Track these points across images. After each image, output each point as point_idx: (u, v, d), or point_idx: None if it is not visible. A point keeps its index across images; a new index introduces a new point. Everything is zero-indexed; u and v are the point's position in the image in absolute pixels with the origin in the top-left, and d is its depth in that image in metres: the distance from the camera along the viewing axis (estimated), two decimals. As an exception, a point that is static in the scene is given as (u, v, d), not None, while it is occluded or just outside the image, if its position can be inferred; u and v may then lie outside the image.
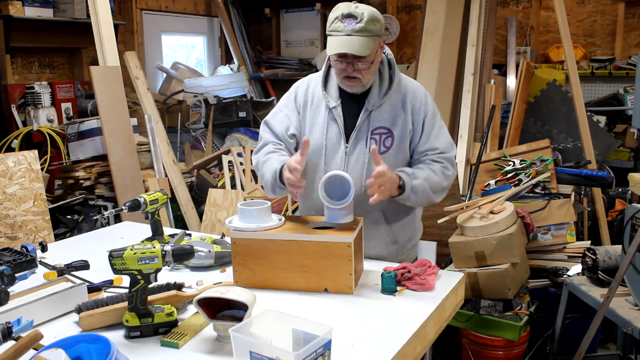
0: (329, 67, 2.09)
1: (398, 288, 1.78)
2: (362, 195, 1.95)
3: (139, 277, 1.50)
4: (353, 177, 1.88)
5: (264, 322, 1.36)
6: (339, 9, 1.88)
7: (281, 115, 2.14)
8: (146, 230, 2.31)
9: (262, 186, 4.14)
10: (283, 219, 1.86)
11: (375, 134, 2.00)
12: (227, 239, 2.10)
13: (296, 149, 2.10)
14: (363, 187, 1.97)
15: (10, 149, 4.11)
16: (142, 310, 1.51)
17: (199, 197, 4.52)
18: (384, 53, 2.04)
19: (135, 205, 2.12)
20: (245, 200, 3.87)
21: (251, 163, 2.18)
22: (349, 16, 1.85)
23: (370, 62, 1.91)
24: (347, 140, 2.02)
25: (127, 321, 1.51)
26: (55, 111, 4.45)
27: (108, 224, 3.43)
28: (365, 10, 1.87)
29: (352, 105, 2.03)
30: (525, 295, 2.85)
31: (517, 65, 4.82)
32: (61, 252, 2.20)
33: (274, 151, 2.07)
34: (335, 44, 1.87)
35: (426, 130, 2.03)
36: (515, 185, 3.25)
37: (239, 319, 1.43)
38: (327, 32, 1.92)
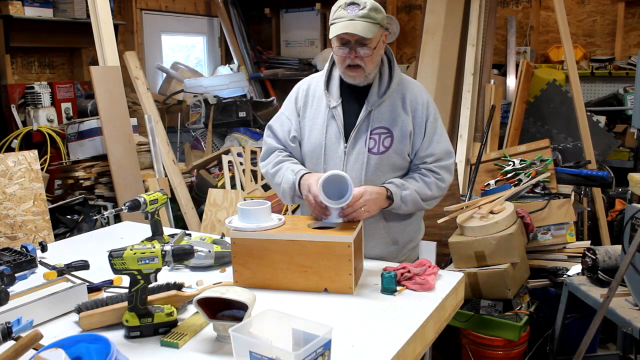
0: (331, 67, 2.09)
1: (398, 288, 1.78)
2: None
3: (139, 277, 1.50)
4: (352, 176, 1.88)
5: (264, 322, 1.36)
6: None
7: (283, 117, 2.16)
8: (146, 230, 2.31)
9: (262, 186, 4.14)
10: (283, 219, 1.86)
11: (375, 134, 2.00)
12: (227, 239, 2.10)
13: (299, 153, 2.13)
14: (362, 186, 1.97)
15: (10, 149, 4.11)
16: (142, 310, 1.51)
17: (199, 197, 4.52)
18: (384, 52, 2.05)
19: (135, 205, 2.12)
20: (245, 200, 3.87)
21: (261, 169, 2.20)
22: (352, 4, 1.89)
23: (372, 48, 1.92)
24: (346, 140, 2.02)
25: (127, 321, 1.51)
26: (55, 111, 4.45)
27: (108, 224, 3.43)
28: (368, 0, 1.91)
29: (353, 105, 2.03)
30: (525, 295, 2.85)
31: (517, 65, 4.81)
32: (61, 252, 2.20)
33: (283, 160, 2.10)
34: (339, 27, 1.89)
35: (428, 134, 2.03)
36: (515, 185, 3.25)
37: (239, 319, 1.43)
38: (329, 23, 1.94)
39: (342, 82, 2.06)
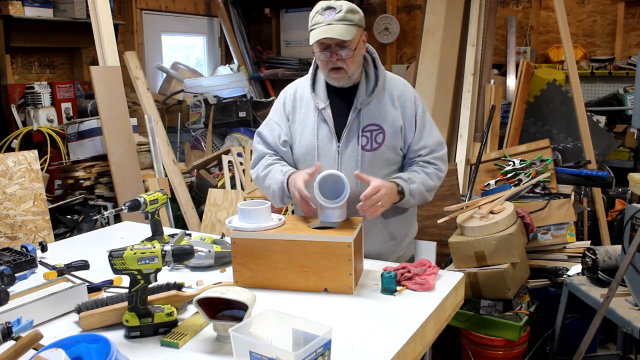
0: (316, 70, 2.12)
1: (398, 288, 1.78)
2: (357, 193, 1.95)
3: (139, 277, 1.50)
4: (347, 175, 1.89)
5: (264, 322, 1.36)
6: (318, 5, 1.96)
7: (271, 123, 2.18)
8: (146, 230, 2.31)
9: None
10: (283, 219, 1.86)
11: (367, 131, 2.02)
12: (227, 239, 2.10)
13: (291, 157, 2.15)
14: (358, 184, 1.98)
15: (10, 149, 4.11)
16: (142, 310, 1.51)
17: (199, 197, 4.52)
18: (368, 51, 2.07)
19: (135, 205, 2.12)
20: (245, 200, 3.87)
21: (252, 175, 2.21)
22: (329, 8, 1.93)
23: (353, 49, 1.94)
24: (338, 140, 2.04)
25: (127, 321, 1.51)
26: (55, 111, 4.45)
27: (108, 224, 3.43)
28: (344, 3, 1.94)
29: (341, 105, 2.06)
30: (525, 295, 2.85)
31: (517, 65, 4.81)
32: (61, 252, 2.20)
33: (273, 163, 2.12)
34: (318, 33, 1.91)
35: (419, 128, 2.07)
36: (515, 185, 3.25)
37: (239, 319, 1.43)
38: (309, 30, 1.96)
39: (328, 84, 2.08)
